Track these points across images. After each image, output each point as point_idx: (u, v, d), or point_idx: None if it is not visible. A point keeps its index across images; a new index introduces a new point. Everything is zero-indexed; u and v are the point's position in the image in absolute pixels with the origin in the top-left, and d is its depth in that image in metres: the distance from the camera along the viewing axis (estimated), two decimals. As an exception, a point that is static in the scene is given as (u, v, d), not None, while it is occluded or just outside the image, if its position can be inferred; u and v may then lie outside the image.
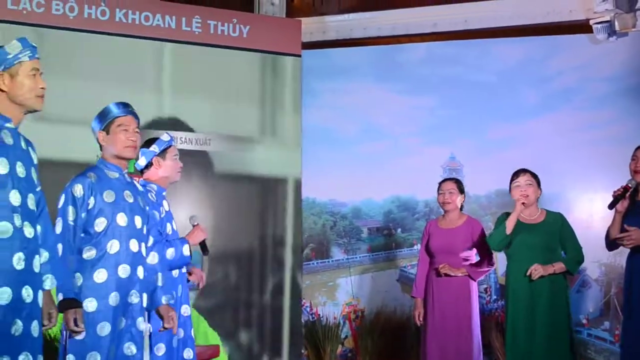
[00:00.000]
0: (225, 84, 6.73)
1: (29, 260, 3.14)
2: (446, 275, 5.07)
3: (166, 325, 3.97)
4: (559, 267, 4.74)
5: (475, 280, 5.18)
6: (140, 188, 4.00)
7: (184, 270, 4.47)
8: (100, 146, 3.82)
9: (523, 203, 4.78)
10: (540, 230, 4.84)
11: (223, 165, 6.60)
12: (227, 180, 6.65)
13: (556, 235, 4.82)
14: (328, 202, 7.37)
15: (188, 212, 5.34)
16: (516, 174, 4.90)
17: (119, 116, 3.80)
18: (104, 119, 3.81)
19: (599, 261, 6.50)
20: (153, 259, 3.98)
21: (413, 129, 7.24)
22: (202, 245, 4.48)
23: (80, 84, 6.03)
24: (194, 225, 4.47)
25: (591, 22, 6.57)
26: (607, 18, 6.47)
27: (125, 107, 3.89)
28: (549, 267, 4.69)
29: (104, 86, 6.07)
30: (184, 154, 5.24)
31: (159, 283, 3.99)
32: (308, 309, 7.17)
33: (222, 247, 6.52)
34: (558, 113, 6.91)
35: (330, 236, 7.40)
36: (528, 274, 4.69)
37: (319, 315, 7.19)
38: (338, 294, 7.29)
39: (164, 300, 3.99)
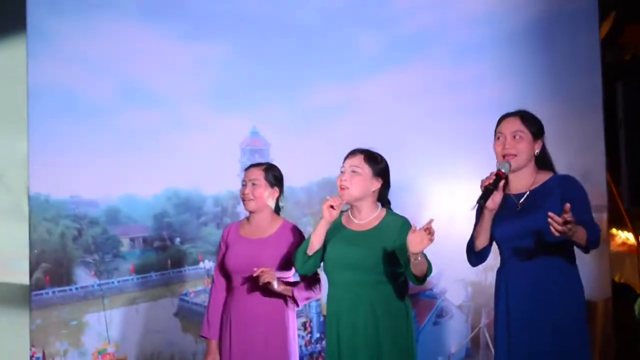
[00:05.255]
0: None
1: None
2: (266, 285, 4.83)
3: None
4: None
5: (298, 306, 5.11)
6: None
7: None
8: None
9: (331, 206, 4.59)
10: (367, 241, 4.66)
11: None
12: None
13: (389, 248, 4.64)
14: (69, 201, 6.96)
15: None
16: (346, 156, 4.80)
17: None
18: None
19: (464, 279, 6.71)
20: None
21: (198, 91, 7.07)
22: None
23: None
24: None
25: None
26: None
27: None
28: None
29: None
30: None
31: None
32: (40, 361, 6.94)
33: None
34: (406, 69, 7.01)
35: (73, 252, 6.96)
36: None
37: (57, 369, 6.99)
38: (86, 337, 6.88)
39: None
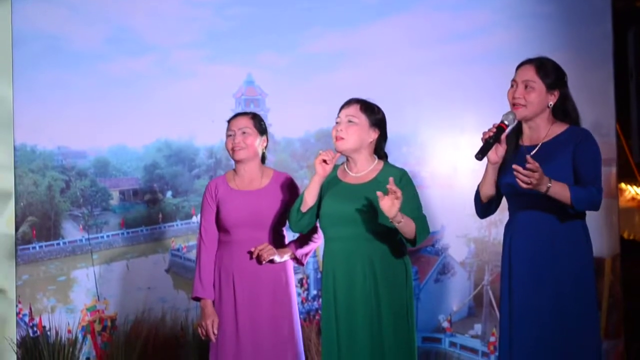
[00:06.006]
0: None
1: None
2: (271, 262, 4.91)
3: None
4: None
5: (303, 265, 5.24)
6: None
7: None
8: None
9: (324, 161, 4.60)
10: (364, 194, 4.65)
11: None
12: None
13: None
14: (56, 152, 6.90)
15: None
16: (342, 106, 4.80)
17: None
18: None
19: (467, 235, 6.70)
20: None
21: (190, 36, 6.97)
22: None
23: None
24: None
25: None
26: None
27: None
28: None
29: None
30: None
31: None
32: (27, 319, 6.73)
33: None
34: (409, 15, 6.95)
35: (60, 204, 6.92)
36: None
37: (44, 327, 6.75)
38: (74, 293, 6.86)
39: None
